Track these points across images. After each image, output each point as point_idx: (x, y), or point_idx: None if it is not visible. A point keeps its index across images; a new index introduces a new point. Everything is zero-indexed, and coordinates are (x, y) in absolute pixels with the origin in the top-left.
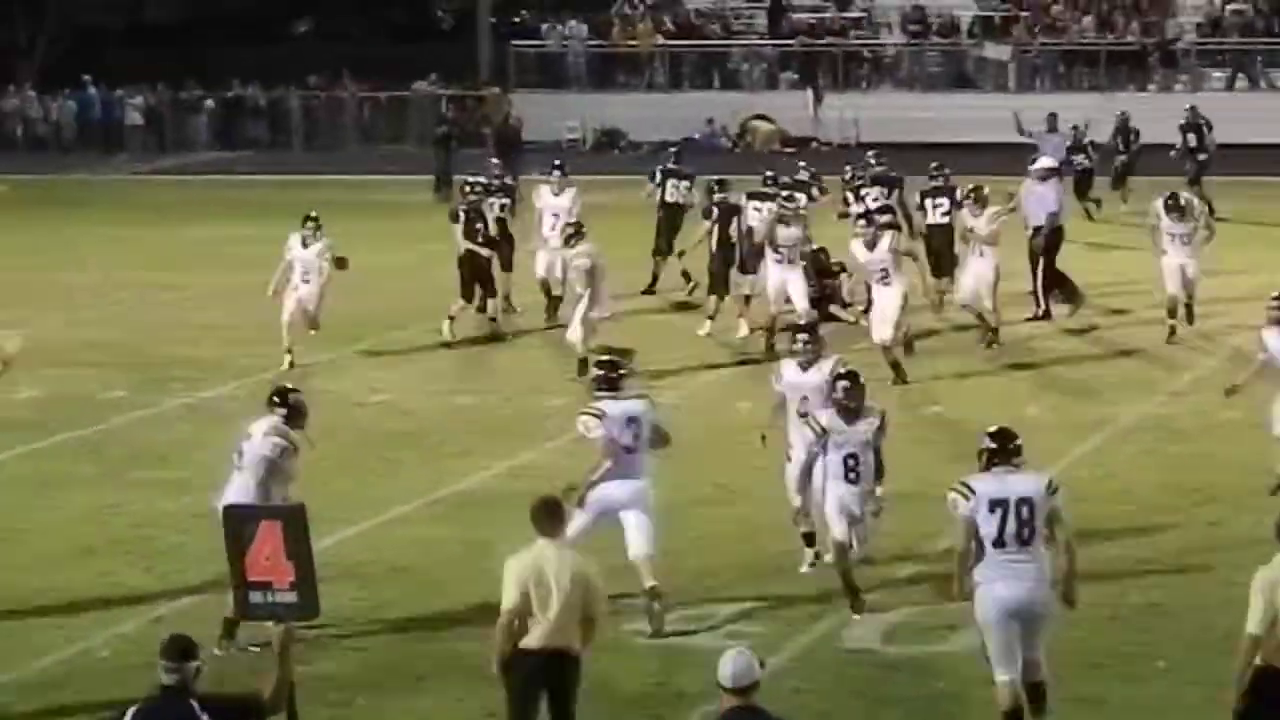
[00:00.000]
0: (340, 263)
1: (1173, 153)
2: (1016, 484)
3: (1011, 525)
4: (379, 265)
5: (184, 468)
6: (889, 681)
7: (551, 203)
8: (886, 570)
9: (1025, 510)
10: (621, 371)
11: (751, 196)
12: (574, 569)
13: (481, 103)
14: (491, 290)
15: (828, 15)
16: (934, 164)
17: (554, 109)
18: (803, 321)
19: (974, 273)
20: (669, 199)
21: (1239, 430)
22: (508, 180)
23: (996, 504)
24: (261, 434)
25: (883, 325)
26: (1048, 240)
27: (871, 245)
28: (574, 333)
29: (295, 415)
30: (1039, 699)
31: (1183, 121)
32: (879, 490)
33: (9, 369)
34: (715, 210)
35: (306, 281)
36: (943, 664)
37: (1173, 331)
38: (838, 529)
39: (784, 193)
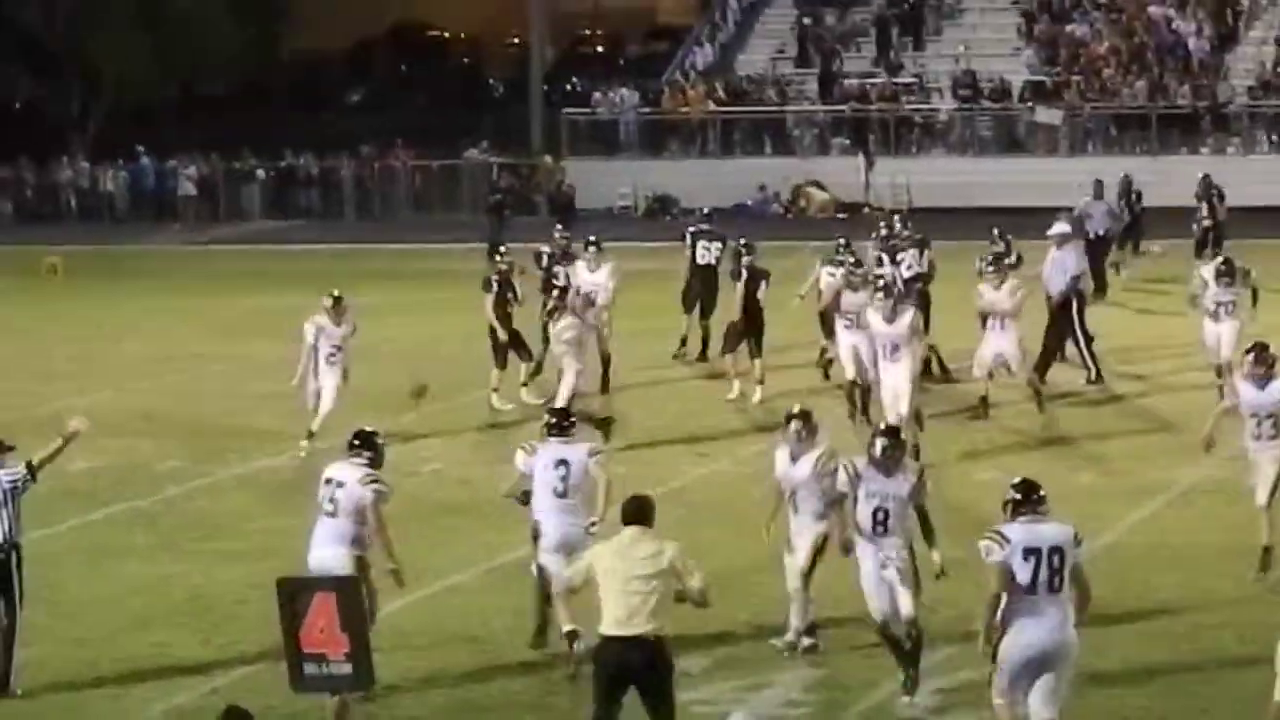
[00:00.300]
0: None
1: (1194, 226)
2: (1048, 533)
3: (1044, 573)
4: (431, 334)
5: (240, 538)
6: None
7: (588, 279)
8: (935, 638)
9: (1057, 559)
10: (571, 420)
11: (826, 262)
12: (651, 551)
13: (534, 171)
14: (525, 355)
15: (879, 80)
16: (996, 230)
17: (606, 176)
18: (797, 409)
19: (994, 347)
20: (700, 260)
21: None
22: (571, 249)
23: (1030, 552)
24: (357, 480)
25: (900, 401)
26: (1070, 303)
27: (890, 319)
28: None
29: (379, 458)
30: None
31: (1197, 191)
32: (935, 556)
33: (68, 445)
34: (745, 273)
35: (333, 362)
36: None
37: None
38: (873, 605)
39: (851, 259)
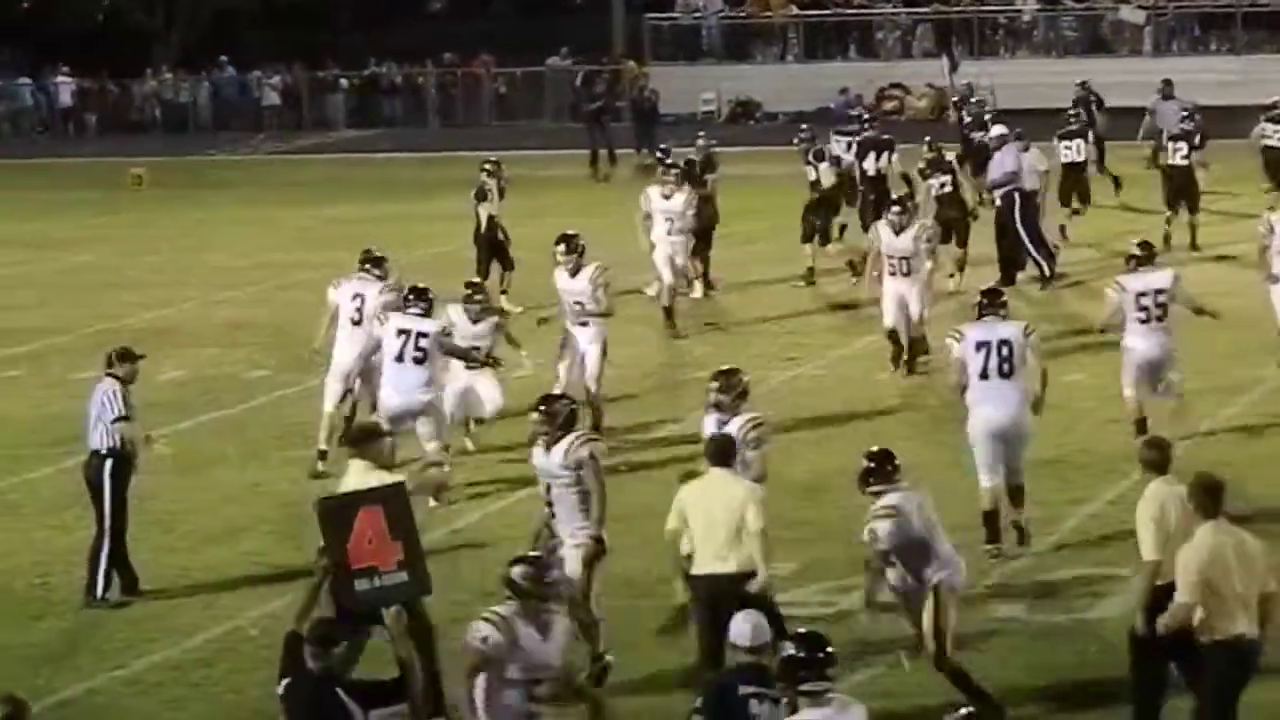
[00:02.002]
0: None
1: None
2: (1000, 329)
3: (994, 361)
4: (515, 240)
5: (306, 447)
6: (1036, 649)
7: (663, 206)
8: (1033, 539)
9: (1006, 349)
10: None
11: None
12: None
13: (617, 77)
14: (508, 264)
15: None
16: (1184, 111)
17: (689, 81)
18: (559, 395)
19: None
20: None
21: None
22: (714, 154)
23: (981, 344)
24: (434, 328)
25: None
26: (1016, 204)
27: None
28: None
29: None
30: (1018, 496)
31: (1073, 97)
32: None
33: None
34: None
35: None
36: (1090, 630)
37: None
38: None
39: (895, 206)
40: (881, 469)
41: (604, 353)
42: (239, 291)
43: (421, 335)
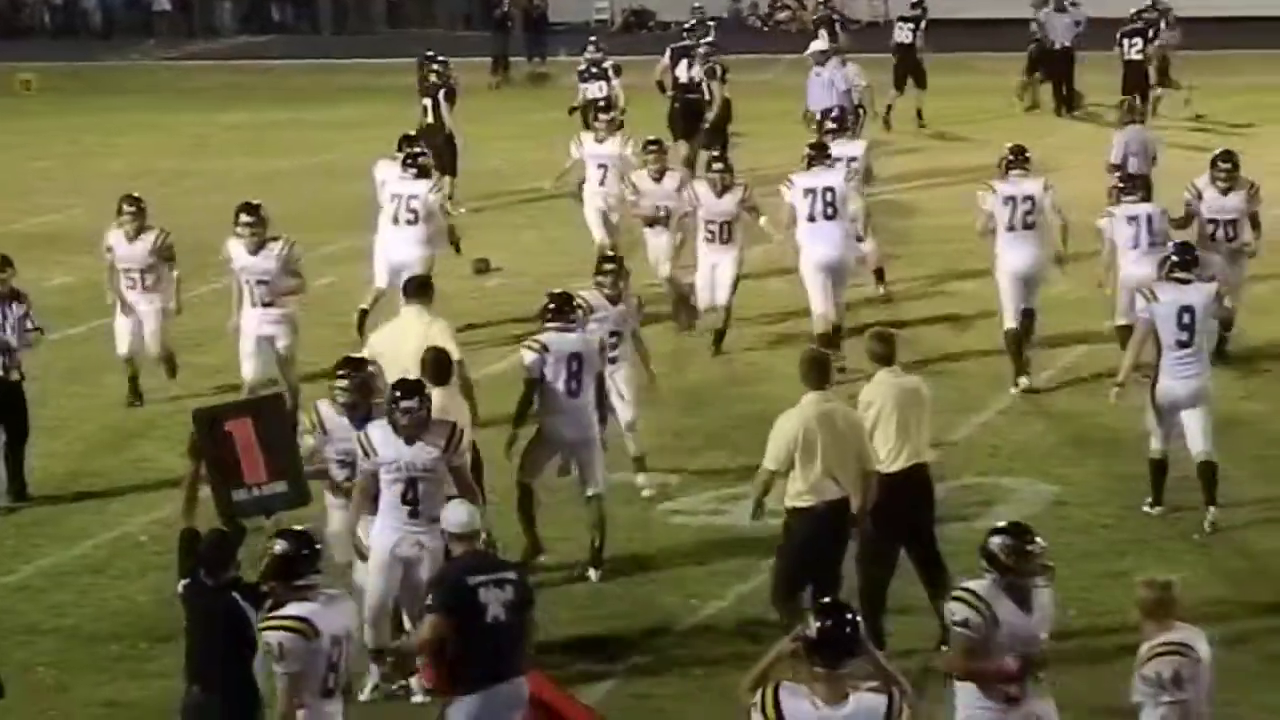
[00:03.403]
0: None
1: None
2: (825, 177)
3: (819, 205)
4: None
5: (216, 353)
6: None
7: (596, 150)
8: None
9: (829, 195)
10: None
11: None
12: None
13: None
14: (451, 169)
15: None
16: (1135, 9)
17: None
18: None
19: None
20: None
21: None
22: (605, 64)
23: (809, 191)
24: (426, 189)
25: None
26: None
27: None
28: None
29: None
30: (837, 337)
31: (816, 16)
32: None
33: None
34: (442, 88)
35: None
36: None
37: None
38: None
39: (716, 164)
40: (560, 309)
41: (295, 332)
42: None
43: (413, 197)
